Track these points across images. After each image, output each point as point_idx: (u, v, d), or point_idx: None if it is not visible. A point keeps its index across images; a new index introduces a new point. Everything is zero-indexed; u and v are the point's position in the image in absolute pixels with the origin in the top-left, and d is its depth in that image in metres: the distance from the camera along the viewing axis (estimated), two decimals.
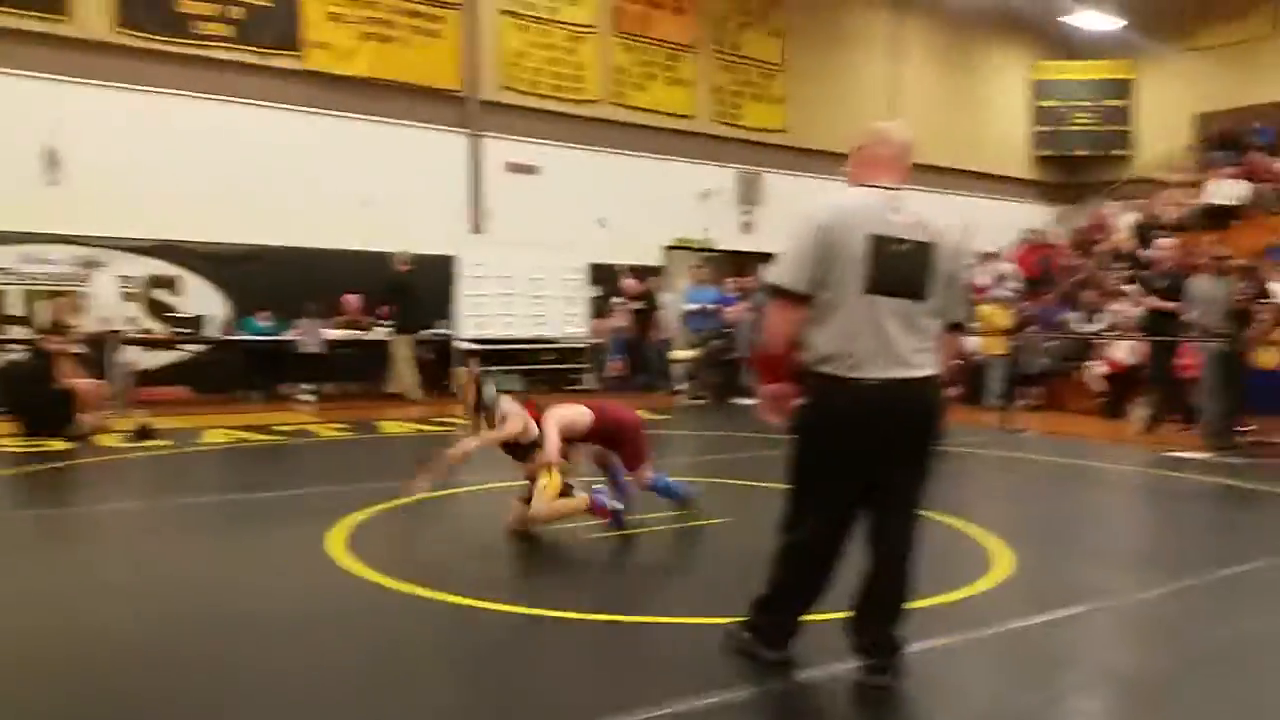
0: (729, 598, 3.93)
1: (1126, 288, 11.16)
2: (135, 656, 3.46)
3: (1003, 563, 4.77)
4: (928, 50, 20.09)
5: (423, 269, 13.29)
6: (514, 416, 5.00)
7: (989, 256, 16.86)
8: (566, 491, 5.07)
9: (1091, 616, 4.07)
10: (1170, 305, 10.09)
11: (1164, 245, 11.03)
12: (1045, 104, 21.28)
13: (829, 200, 3.19)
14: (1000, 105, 21.06)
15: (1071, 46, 21.42)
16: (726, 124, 17.41)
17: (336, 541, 4.96)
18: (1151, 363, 10.79)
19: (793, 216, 3.24)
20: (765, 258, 17.42)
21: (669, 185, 16.39)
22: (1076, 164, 21.53)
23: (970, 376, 11.00)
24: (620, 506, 5.18)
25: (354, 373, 13.64)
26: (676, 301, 15.26)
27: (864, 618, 3.26)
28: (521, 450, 5.09)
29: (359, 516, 5.45)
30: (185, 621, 3.86)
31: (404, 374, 12.84)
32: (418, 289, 13.00)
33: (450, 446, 5.09)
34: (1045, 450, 9.24)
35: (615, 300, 15.00)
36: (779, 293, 3.15)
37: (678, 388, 13.95)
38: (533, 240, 14.35)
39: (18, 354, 10.68)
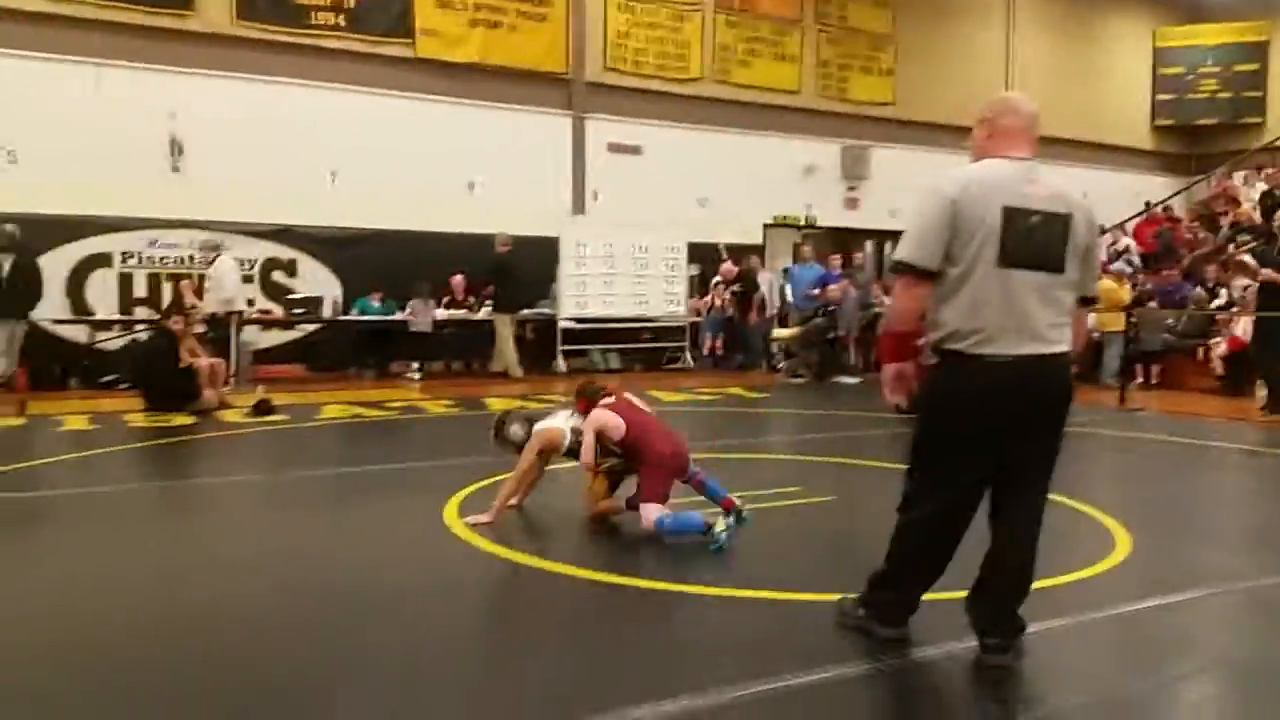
0: (834, 575, 3.94)
1: (1246, 259, 10.51)
2: (266, 626, 3.61)
3: (1120, 545, 4.61)
4: (1043, 19, 19.35)
5: (526, 250, 13.47)
6: (528, 449, 5.00)
7: (1105, 230, 16.24)
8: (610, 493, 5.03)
9: (1208, 601, 3.90)
10: None
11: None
12: (1168, 71, 20.28)
13: (959, 172, 3.08)
14: (1120, 74, 20.15)
15: (1198, 9, 20.35)
16: (832, 98, 17.14)
17: (452, 513, 5.10)
18: (1259, 339, 10.11)
19: (918, 190, 3.14)
20: (870, 234, 17.18)
21: (771, 162, 16.24)
22: (1201, 133, 20.49)
23: (1088, 354, 10.59)
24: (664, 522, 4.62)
25: (459, 351, 13.96)
26: (775, 279, 15.14)
27: (987, 598, 3.19)
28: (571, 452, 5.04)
29: (471, 489, 5.58)
30: (313, 591, 4.03)
31: (505, 352, 13.05)
32: (518, 269, 13.16)
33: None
34: (1164, 430, 8.85)
35: (713, 280, 14.95)
36: (907, 269, 3.05)
37: (778, 366, 13.84)
38: (634, 220, 14.40)
39: (144, 333, 11.27)
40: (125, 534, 5.04)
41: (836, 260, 14.32)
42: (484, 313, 13.43)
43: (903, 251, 3.07)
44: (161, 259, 12.51)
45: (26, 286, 10.80)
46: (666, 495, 4.72)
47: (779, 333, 13.95)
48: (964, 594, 3.25)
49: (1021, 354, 2.97)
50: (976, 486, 3.13)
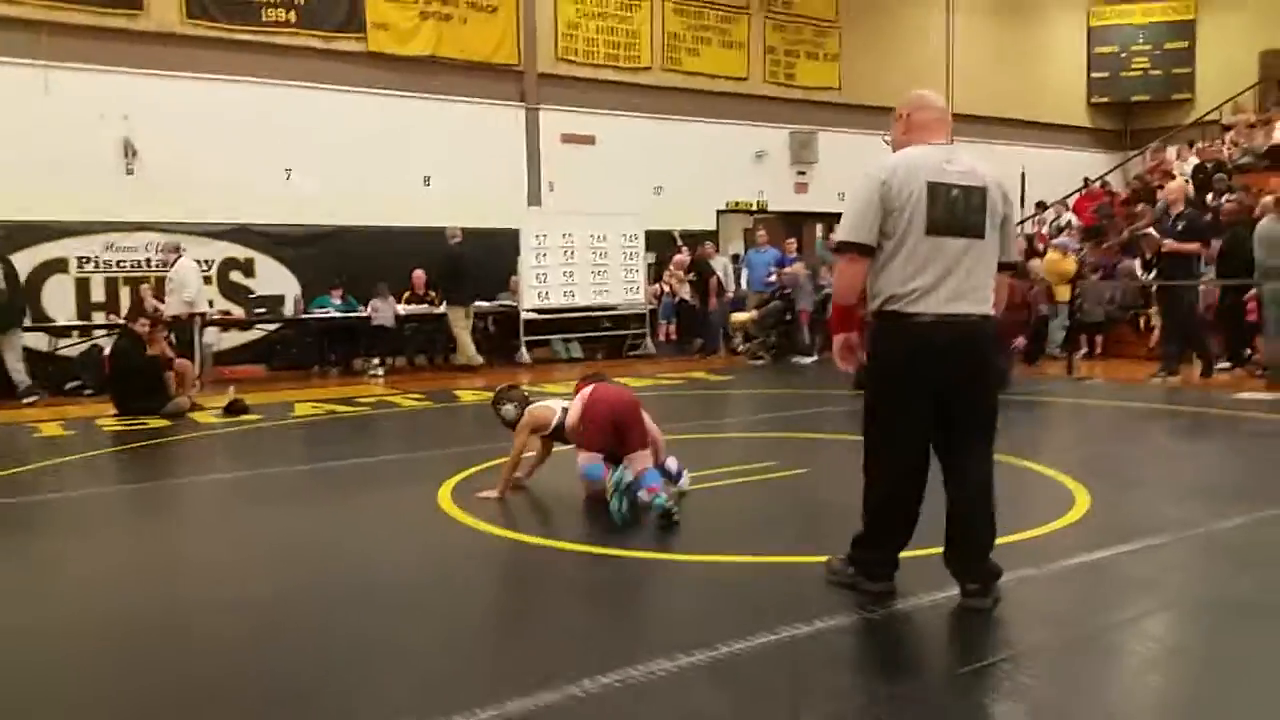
0: (818, 539, 4.20)
1: (1149, 231, 11.01)
2: (276, 614, 3.75)
3: (1079, 501, 4.93)
4: (982, 1, 19.83)
5: (484, 242, 13.58)
6: (519, 429, 5.31)
7: (1046, 206, 16.77)
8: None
9: (1171, 547, 4.22)
10: (1186, 247, 9.91)
11: (1171, 189, 10.80)
12: (1103, 50, 20.91)
13: (888, 159, 3.42)
14: (1056, 53, 20.74)
15: None
16: (780, 84, 17.44)
17: (447, 499, 5.27)
18: (1164, 307, 10.65)
19: (854, 176, 3.47)
20: (820, 217, 17.52)
21: (723, 149, 16.49)
22: (1135, 110, 21.16)
23: (1033, 326, 11.00)
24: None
25: (423, 346, 14.04)
26: (729, 264, 15.44)
27: (957, 552, 3.50)
28: (557, 434, 5.40)
29: (462, 475, 5.75)
30: (322, 577, 4.18)
31: (463, 344, 13.13)
32: (470, 261, 13.21)
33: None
34: (1112, 396, 9.29)
35: (667, 268, 15.19)
36: (848, 247, 3.40)
37: (738, 349, 14.13)
38: (591, 209, 14.56)
39: (108, 337, 11.20)
40: (120, 535, 5.15)
41: (791, 244, 14.62)
42: (444, 307, 13.51)
43: (843, 232, 3.42)
44: (119, 263, 12.42)
45: (17, 294, 10.74)
46: (602, 446, 5.07)
47: (738, 317, 14.23)
48: (934, 550, 3.56)
49: (948, 312, 3.32)
50: (922, 439, 3.46)
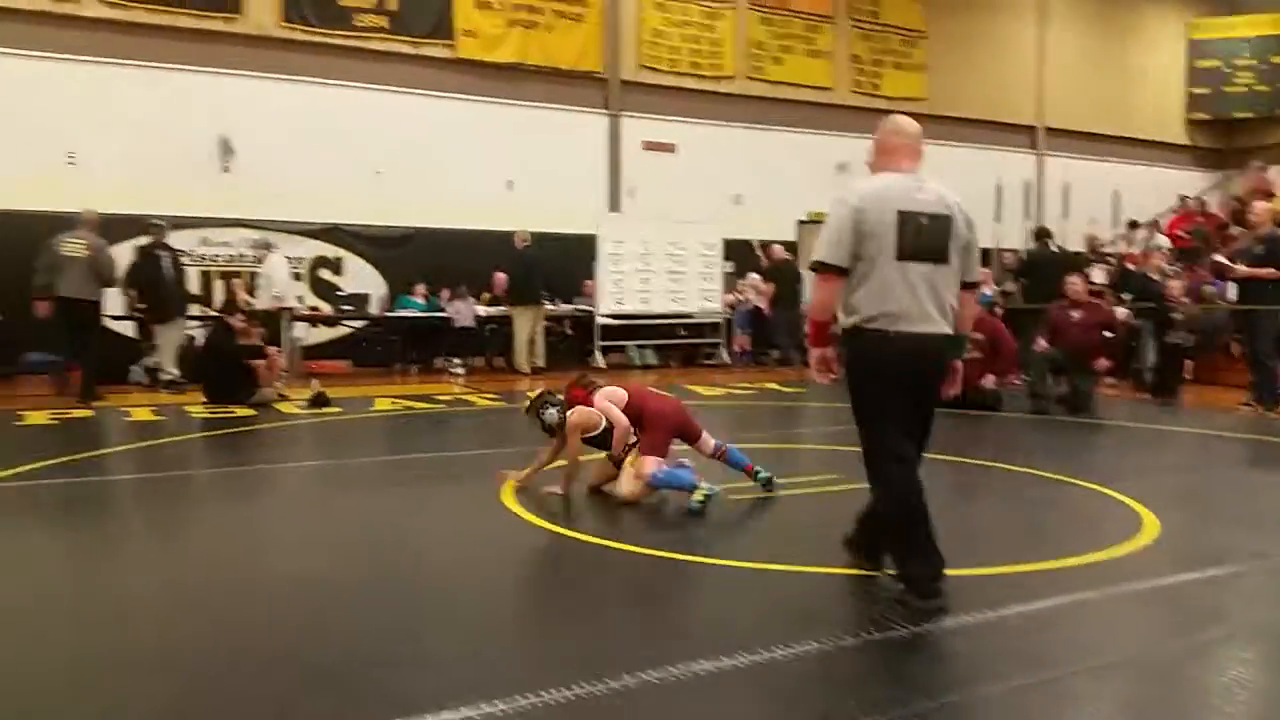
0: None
1: (1219, 258, 10.57)
2: (352, 593, 3.90)
3: (1149, 527, 4.81)
4: (1076, 12, 19.40)
5: (562, 247, 13.77)
6: (570, 430, 5.34)
7: (1138, 225, 16.29)
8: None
9: (1239, 577, 4.09)
10: (1259, 272, 9.51)
11: (1258, 210, 10.32)
12: (1204, 64, 20.22)
13: (860, 185, 3.68)
14: (1153, 66, 20.15)
15: (1234, 1, 20.27)
16: (865, 94, 17.30)
17: (509, 495, 5.39)
18: (1246, 334, 10.19)
19: (834, 201, 3.66)
20: None
21: (805, 159, 16.42)
22: (1237, 127, 20.40)
23: (1122, 349, 10.72)
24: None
25: (501, 347, 14.27)
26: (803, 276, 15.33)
27: (875, 539, 3.93)
28: (599, 439, 5.42)
29: (524, 472, 5.85)
30: (391, 563, 4.33)
31: (518, 346, 13.26)
32: (538, 265, 13.37)
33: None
34: (1196, 423, 8.99)
35: (743, 278, 15.17)
36: (824, 268, 3.63)
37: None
38: (669, 217, 14.64)
39: (201, 328, 11.66)
40: (202, 515, 5.40)
41: None
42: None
43: (819, 254, 3.66)
44: (213, 257, 12.93)
45: (182, 285, 11.19)
46: (665, 451, 5.25)
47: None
48: (995, 569, 3.65)
49: (915, 331, 3.59)
50: (907, 440, 3.72)
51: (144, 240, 10.41)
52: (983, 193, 17.20)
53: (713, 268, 14.80)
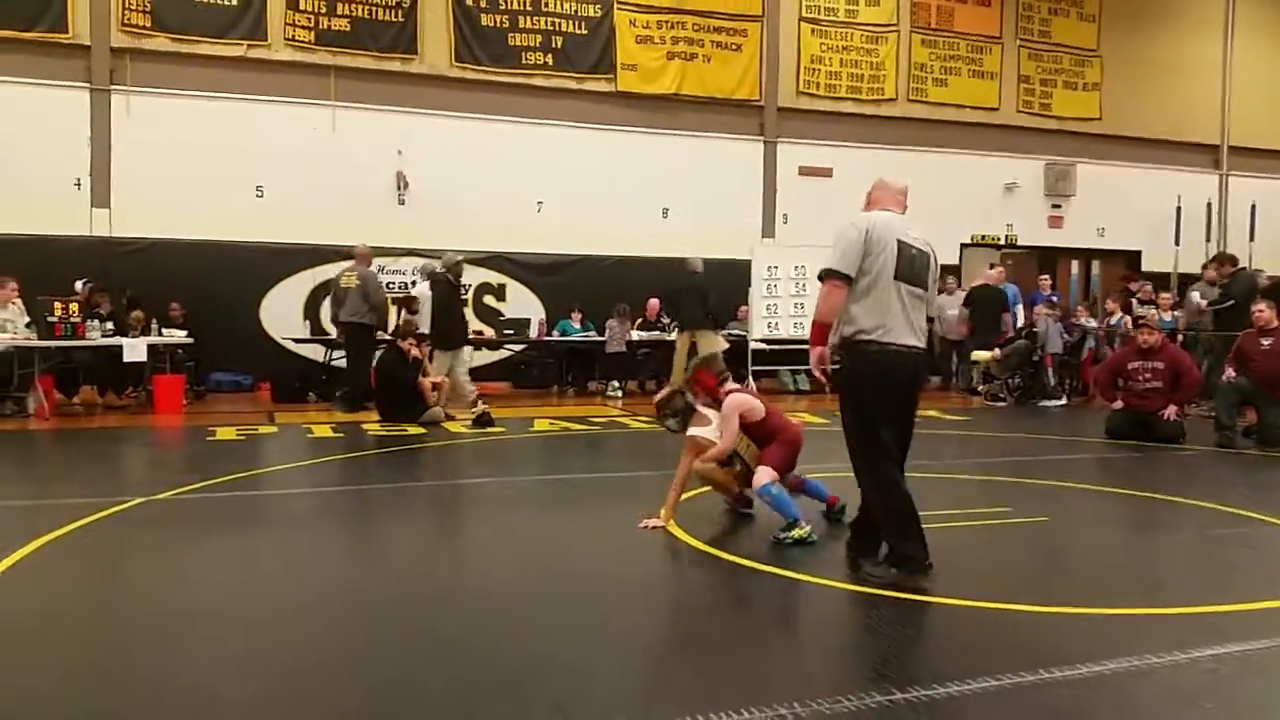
0: (1049, 589, 4.06)
1: None
2: (518, 608, 4.01)
3: None
4: (1263, 28, 18.15)
5: (718, 273, 13.79)
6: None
7: None
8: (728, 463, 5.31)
9: None
10: None
11: None
12: None
13: (866, 215, 4.31)
14: None
15: None
16: (1034, 114, 16.70)
17: (667, 516, 5.40)
18: None
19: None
20: (1076, 253, 16.57)
21: (969, 181, 15.99)
22: None
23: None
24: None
25: (655, 371, 14.39)
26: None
27: (870, 536, 4.34)
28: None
29: (683, 496, 5.86)
30: (555, 578, 4.43)
31: (675, 369, 13.24)
32: (707, 291, 13.36)
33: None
34: None
35: None
36: (834, 275, 4.18)
37: (977, 388, 13.55)
38: (825, 242, 14.35)
39: (379, 352, 12.23)
40: (389, 527, 5.67)
41: (1046, 282, 13.88)
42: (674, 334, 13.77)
43: (830, 263, 4.20)
44: (387, 284, 13.57)
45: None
46: (785, 471, 5.25)
47: (979, 355, 13.65)
48: (1182, 609, 3.64)
49: (905, 344, 4.17)
50: (892, 442, 4.20)
51: (436, 270, 10.96)
52: (1160, 215, 16.32)
53: None
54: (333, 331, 12.65)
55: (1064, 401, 12.28)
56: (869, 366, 4.16)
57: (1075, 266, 16.74)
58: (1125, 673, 3.20)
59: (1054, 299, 13.91)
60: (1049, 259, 16.26)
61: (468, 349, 11.04)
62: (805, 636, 3.77)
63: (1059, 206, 16.81)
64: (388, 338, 11.55)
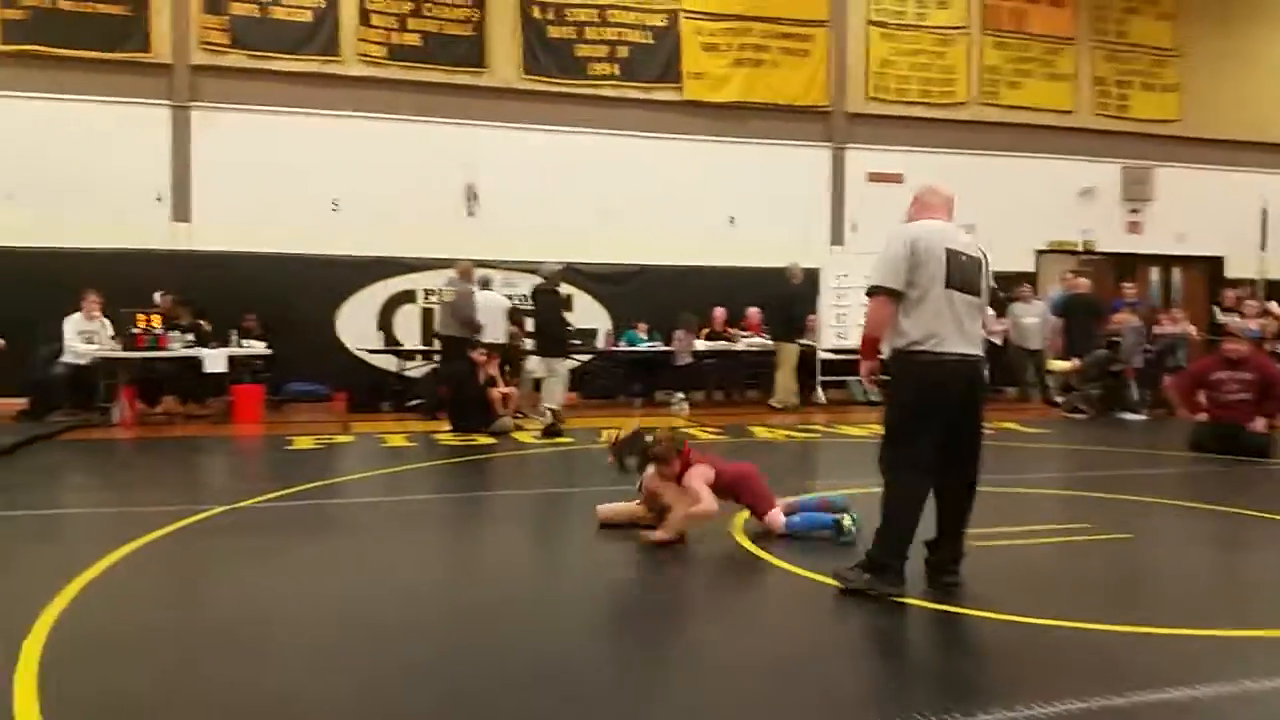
0: (1135, 609, 3.94)
1: None
2: (602, 624, 4.01)
3: None
4: None
5: (783, 282, 13.69)
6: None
7: None
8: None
9: None
10: None
11: None
12: None
13: (913, 226, 4.25)
14: None
15: None
16: (1111, 116, 16.30)
17: (739, 529, 5.40)
18: None
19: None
20: (1156, 259, 16.10)
21: (1044, 186, 15.66)
22: None
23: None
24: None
25: (720, 381, 14.34)
26: (1046, 309, 14.48)
27: (951, 542, 4.30)
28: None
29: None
30: (627, 590, 4.44)
31: (783, 383, 13.14)
32: (793, 300, 13.29)
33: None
34: None
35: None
36: (883, 291, 4.14)
37: (1055, 400, 13.23)
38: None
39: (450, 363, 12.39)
40: (464, 536, 5.76)
41: (1130, 289, 13.51)
42: (743, 343, 13.71)
43: (877, 278, 4.18)
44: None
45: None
46: (768, 496, 5.33)
47: (1056, 365, 13.33)
48: (1264, 632, 3.65)
49: (960, 352, 4.13)
50: (932, 454, 4.15)
51: (540, 281, 11.14)
52: (1244, 219, 15.78)
53: None
54: (405, 342, 12.90)
55: (1145, 415, 11.92)
56: (920, 377, 4.12)
57: (1155, 273, 16.27)
58: (1222, 698, 3.08)
59: (1137, 305, 13.52)
60: (1127, 266, 15.83)
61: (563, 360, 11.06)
62: (882, 654, 3.70)
63: (1137, 211, 16.37)
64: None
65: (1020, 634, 3.76)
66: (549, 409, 10.31)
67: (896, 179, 15.18)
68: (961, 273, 4.12)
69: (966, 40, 15.61)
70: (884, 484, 4.22)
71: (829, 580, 4.41)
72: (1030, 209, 15.45)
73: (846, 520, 5.13)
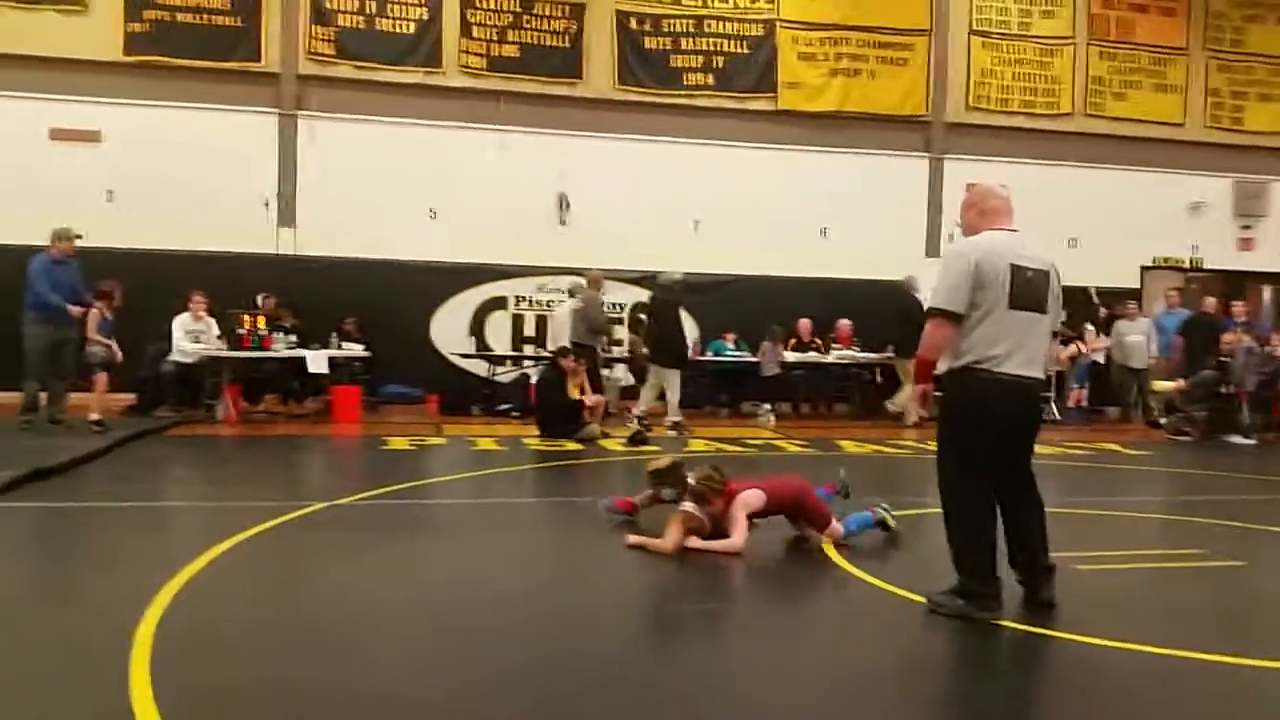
0: (1249, 639, 3.82)
1: None
2: (692, 633, 4.00)
3: None
4: None
5: (876, 293, 13.48)
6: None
7: None
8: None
9: None
10: None
11: None
12: None
13: (975, 240, 4.07)
14: None
15: None
16: (1224, 129, 15.67)
17: (829, 544, 5.32)
18: None
19: (948, 253, 4.11)
20: (1270, 277, 15.40)
21: (1151, 200, 15.13)
22: None
23: None
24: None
25: (808, 393, 14.17)
26: (1151, 327, 13.97)
27: (1032, 562, 4.14)
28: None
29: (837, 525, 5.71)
30: (718, 601, 4.39)
31: (901, 395, 12.85)
32: (911, 312, 12.93)
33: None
34: None
35: (1083, 327, 14.05)
36: (943, 314, 3.96)
37: (1159, 421, 12.73)
38: None
39: (535, 368, 12.56)
40: (553, 538, 5.86)
41: (1240, 308, 12.95)
42: (833, 355, 13.53)
43: (938, 300, 3.99)
44: (548, 303, 13.92)
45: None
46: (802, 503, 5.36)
47: (1161, 385, 12.84)
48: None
49: (1021, 374, 3.96)
50: (992, 473, 4.04)
51: (656, 290, 11.30)
52: None
53: None
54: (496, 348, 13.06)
55: (1254, 440, 11.38)
56: (976, 395, 3.97)
57: (1267, 292, 15.56)
58: None
59: (1250, 325, 12.94)
60: (1237, 284, 15.16)
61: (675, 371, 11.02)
62: (993, 680, 3.60)
63: (1249, 227, 15.70)
64: (548, 354, 11.80)
65: (1132, 662, 3.62)
66: (637, 417, 10.34)
67: None
68: (1027, 290, 3.95)
69: (1071, 50, 15.19)
70: (945, 511, 4.12)
71: (920, 598, 4.32)
72: (1136, 223, 14.93)
73: (888, 518, 5.41)
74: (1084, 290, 14.27)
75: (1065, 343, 14.03)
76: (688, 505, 5.17)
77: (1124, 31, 15.33)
